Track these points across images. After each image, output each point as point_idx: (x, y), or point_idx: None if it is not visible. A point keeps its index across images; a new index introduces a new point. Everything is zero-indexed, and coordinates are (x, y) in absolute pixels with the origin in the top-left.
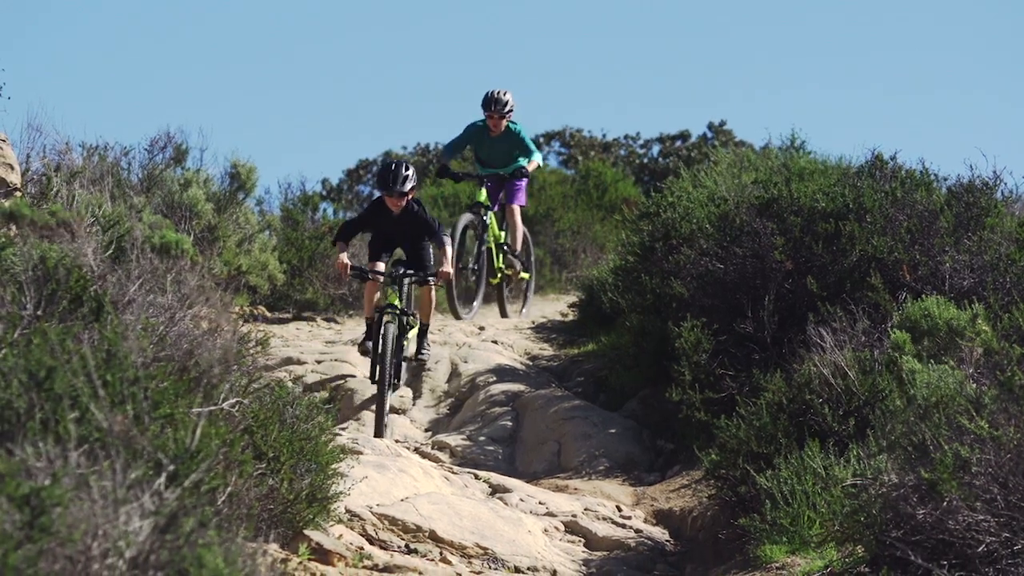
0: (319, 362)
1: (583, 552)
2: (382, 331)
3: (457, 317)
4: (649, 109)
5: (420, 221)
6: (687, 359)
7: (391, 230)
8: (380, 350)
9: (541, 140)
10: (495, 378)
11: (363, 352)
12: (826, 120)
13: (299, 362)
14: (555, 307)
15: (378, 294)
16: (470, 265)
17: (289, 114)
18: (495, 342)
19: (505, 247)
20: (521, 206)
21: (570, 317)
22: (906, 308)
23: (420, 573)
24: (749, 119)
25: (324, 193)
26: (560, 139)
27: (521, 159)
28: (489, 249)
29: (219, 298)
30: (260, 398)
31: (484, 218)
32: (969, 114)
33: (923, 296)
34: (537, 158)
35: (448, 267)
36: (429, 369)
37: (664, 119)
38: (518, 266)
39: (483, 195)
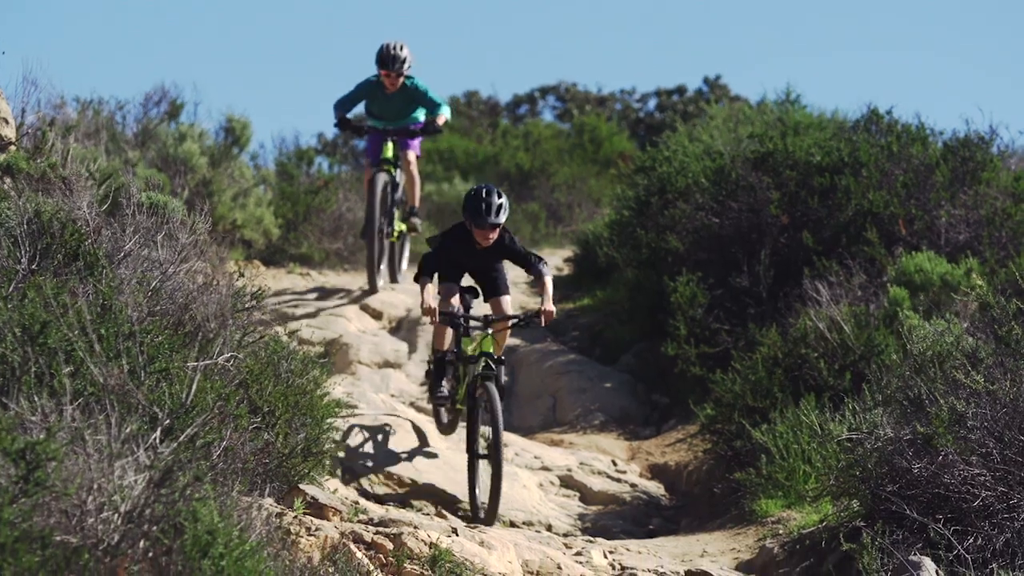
0: (314, 316)
1: (578, 506)
2: (484, 391)
3: (375, 290)
4: (645, 63)
5: (512, 255)
6: (682, 313)
7: (474, 264)
8: (485, 410)
9: (537, 95)
10: None
11: (438, 401)
12: (822, 74)
13: (294, 317)
14: (550, 261)
15: (449, 335)
16: (385, 228)
17: (284, 68)
18: None
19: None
20: (417, 156)
21: (565, 272)
22: (901, 263)
23: (415, 527)
24: (745, 74)
25: (319, 148)
26: (555, 93)
27: (419, 113)
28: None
29: (214, 253)
30: (255, 353)
31: (395, 176)
32: (965, 68)
33: (918, 250)
34: (446, 111)
35: (551, 305)
36: (424, 323)
37: (660, 73)
38: (417, 222)
39: (390, 150)
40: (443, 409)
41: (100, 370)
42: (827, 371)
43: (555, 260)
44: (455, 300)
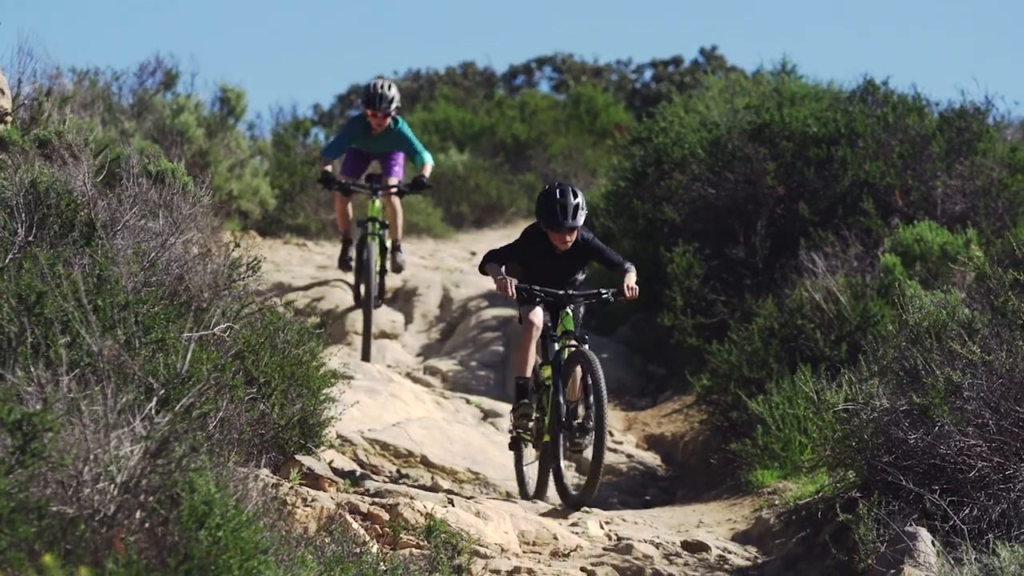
0: (311, 287)
1: (574, 476)
2: (572, 363)
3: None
4: (641, 34)
5: (596, 254)
6: (679, 284)
7: (553, 268)
8: (582, 380)
9: (533, 66)
10: (487, 303)
11: (521, 419)
12: (818, 45)
13: (291, 287)
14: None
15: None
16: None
17: (281, 39)
18: None
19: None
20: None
21: None
22: (898, 233)
23: (411, 498)
24: (741, 44)
25: (315, 118)
26: (551, 64)
27: (398, 154)
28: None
29: (209, 223)
30: (251, 323)
31: (381, 235)
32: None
33: (915, 221)
34: (430, 161)
35: (634, 282)
36: (420, 294)
37: (656, 44)
38: (403, 260)
39: (376, 207)
40: (526, 451)
41: (96, 341)
42: (823, 342)
43: None
44: (539, 311)
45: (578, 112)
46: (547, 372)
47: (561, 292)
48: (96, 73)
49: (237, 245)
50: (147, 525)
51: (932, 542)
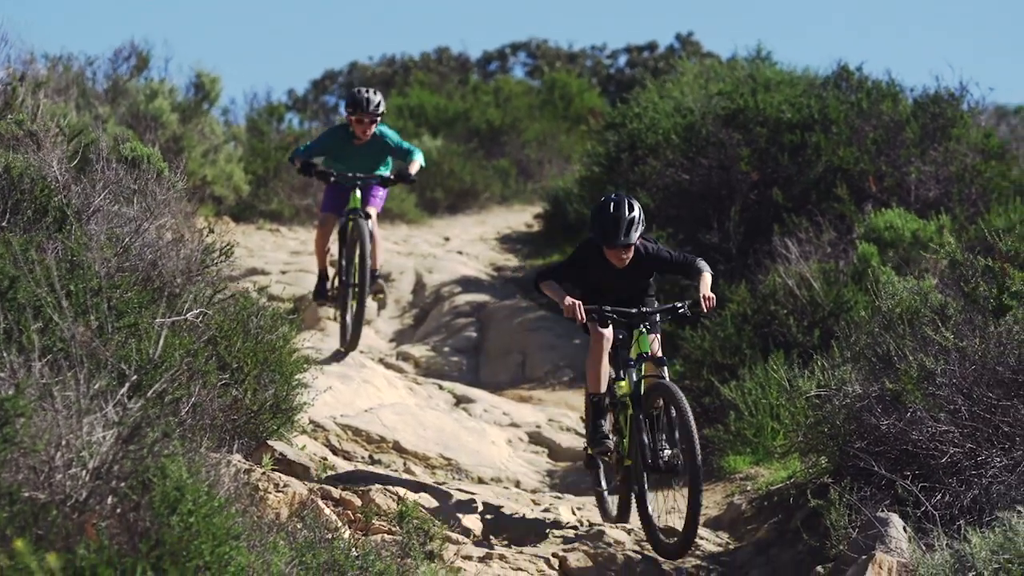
0: (283, 272)
1: (547, 463)
2: (661, 387)
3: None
4: (616, 20)
5: (661, 265)
6: None
7: (615, 284)
8: (666, 412)
9: (507, 52)
10: (460, 289)
11: (601, 448)
12: (793, 31)
13: (264, 272)
14: (520, 218)
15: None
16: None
17: (255, 24)
18: (460, 253)
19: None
20: (378, 213)
21: (535, 228)
22: (871, 219)
23: (383, 484)
24: (716, 30)
25: (290, 104)
26: (526, 50)
27: (383, 168)
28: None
29: (182, 209)
30: (224, 308)
31: (367, 225)
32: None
33: (889, 207)
34: (419, 158)
35: (710, 290)
36: (394, 280)
37: (631, 30)
38: (384, 285)
39: (358, 199)
40: (603, 476)
41: (69, 326)
42: (796, 328)
43: (525, 216)
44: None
45: (552, 98)
46: (623, 388)
47: (634, 311)
48: (70, 58)
49: (211, 231)
50: (119, 511)
51: (904, 528)
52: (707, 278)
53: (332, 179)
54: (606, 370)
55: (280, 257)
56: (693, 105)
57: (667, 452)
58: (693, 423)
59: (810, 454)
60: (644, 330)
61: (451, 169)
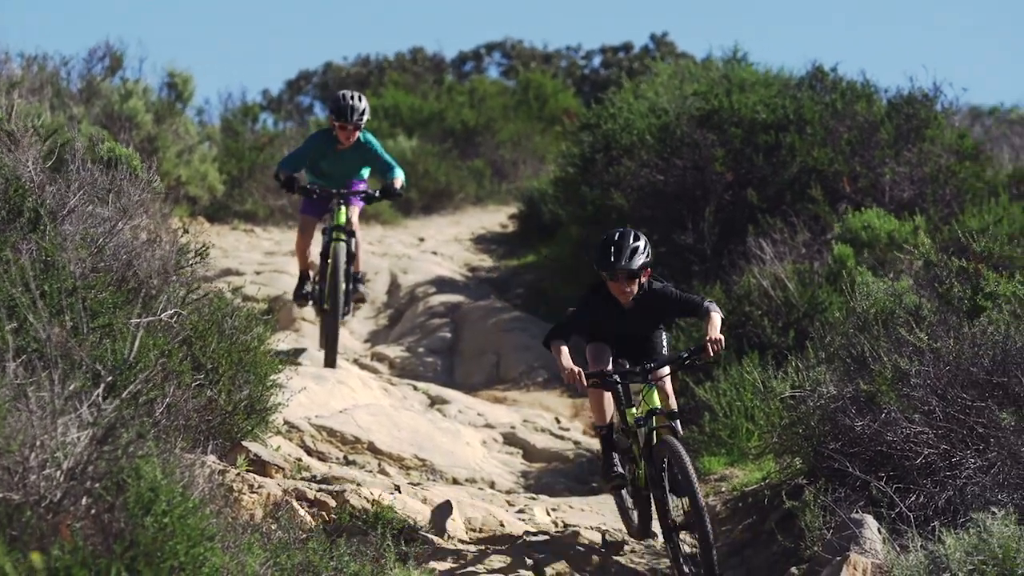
0: (258, 273)
1: (521, 464)
2: (667, 448)
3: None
4: (591, 20)
5: (670, 304)
6: None
7: (622, 328)
8: (671, 471)
9: (482, 52)
10: (434, 289)
11: (615, 481)
12: (768, 32)
13: (238, 273)
14: (495, 218)
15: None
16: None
17: (230, 24)
18: (435, 253)
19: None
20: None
21: (510, 228)
22: (846, 220)
23: (358, 485)
24: (691, 31)
25: (264, 104)
26: (501, 50)
27: (365, 172)
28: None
29: (158, 209)
30: (199, 309)
31: (348, 242)
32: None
33: (863, 208)
34: (400, 175)
35: (718, 332)
36: (369, 280)
37: (606, 30)
38: (364, 291)
39: (343, 215)
40: (626, 495)
41: (43, 327)
42: (771, 328)
43: (500, 217)
44: (608, 363)
45: (527, 98)
46: (631, 414)
47: (637, 370)
48: (44, 58)
49: (185, 231)
50: (93, 511)
51: (878, 529)
52: (716, 320)
53: (315, 196)
54: (609, 403)
55: (254, 257)
56: (668, 106)
57: (673, 508)
58: (695, 481)
59: (784, 455)
60: (653, 385)
61: (426, 169)
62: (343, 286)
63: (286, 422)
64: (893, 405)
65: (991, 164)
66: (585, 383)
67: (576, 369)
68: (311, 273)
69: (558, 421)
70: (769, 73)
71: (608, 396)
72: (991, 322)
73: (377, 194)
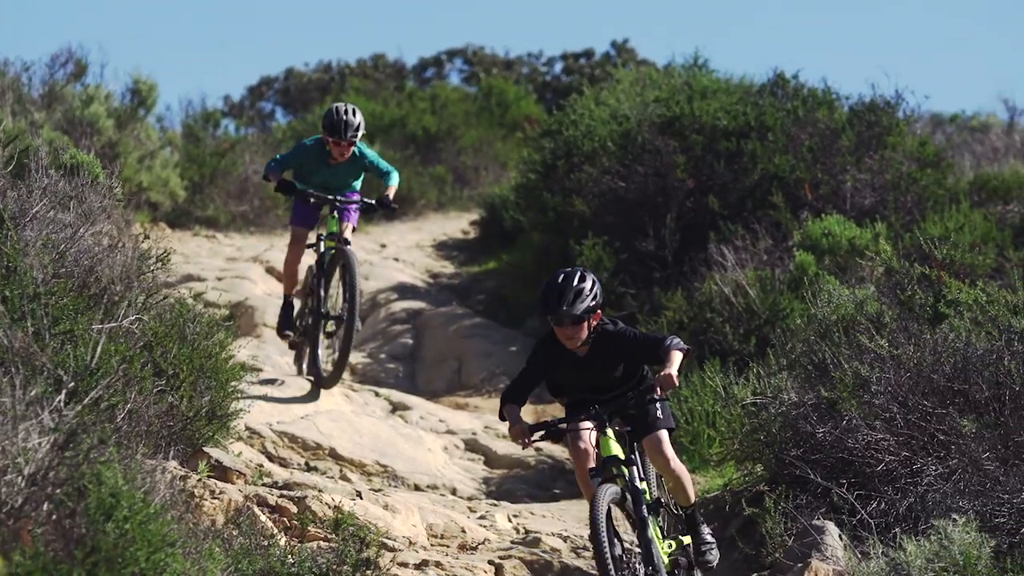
0: (220, 279)
1: (483, 470)
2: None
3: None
4: (553, 27)
5: (628, 349)
6: None
7: (581, 376)
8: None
9: (443, 58)
10: (396, 296)
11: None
12: (730, 39)
13: (200, 279)
14: (457, 225)
15: (590, 444)
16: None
17: (191, 29)
18: (396, 259)
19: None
20: (354, 230)
21: (471, 235)
22: (807, 227)
23: (319, 490)
24: (653, 38)
25: (226, 110)
26: (462, 56)
27: (356, 183)
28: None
29: (120, 215)
30: (160, 315)
31: (349, 256)
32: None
33: (824, 215)
34: (395, 181)
35: (674, 368)
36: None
37: (567, 37)
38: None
39: (336, 222)
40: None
41: (5, 332)
42: (732, 335)
43: (461, 223)
44: (585, 435)
45: (489, 105)
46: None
47: (589, 423)
48: (6, 63)
49: (147, 237)
50: (55, 517)
51: (839, 536)
52: (675, 358)
53: (311, 200)
54: (591, 456)
55: (216, 263)
56: (629, 112)
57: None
58: (656, 548)
59: (746, 462)
60: (609, 433)
61: None
62: (360, 287)
63: (247, 428)
64: (854, 412)
65: (952, 171)
66: (528, 442)
67: (520, 427)
68: (296, 301)
69: None
70: (731, 80)
71: (590, 485)
72: (952, 329)
73: (373, 203)
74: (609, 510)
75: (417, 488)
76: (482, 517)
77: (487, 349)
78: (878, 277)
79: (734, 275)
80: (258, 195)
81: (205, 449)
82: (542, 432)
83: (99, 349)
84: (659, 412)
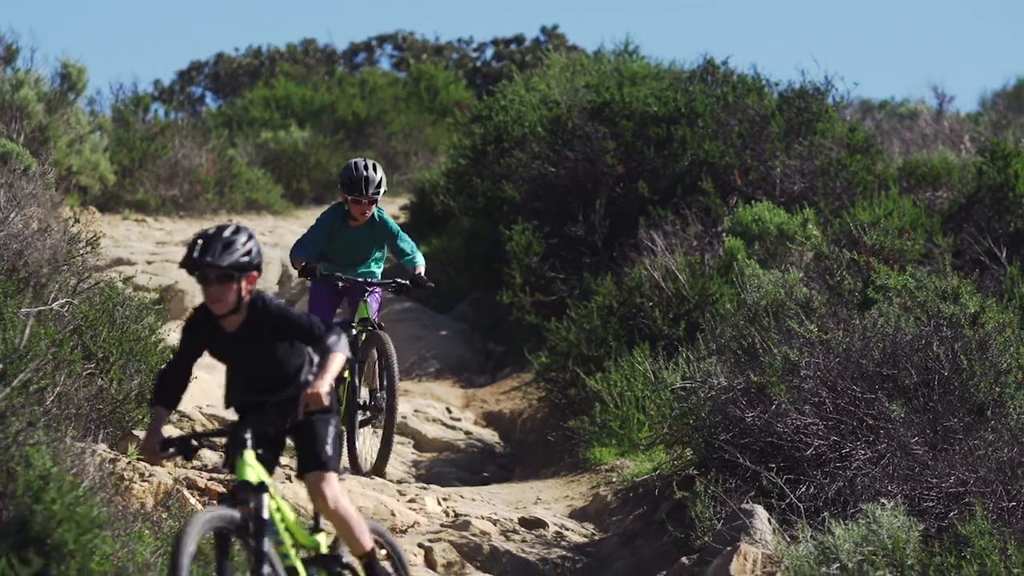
0: (149, 263)
1: (413, 453)
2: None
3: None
4: (483, 13)
5: (284, 328)
6: (518, 262)
7: (229, 357)
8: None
9: (374, 44)
10: None
11: None
12: (660, 25)
13: (129, 262)
14: (387, 209)
15: None
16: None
17: (122, 13)
18: None
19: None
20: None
21: (401, 219)
22: (737, 213)
23: None
24: (583, 24)
25: (156, 94)
26: (392, 42)
27: (378, 255)
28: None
29: (49, 199)
30: (90, 298)
31: (384, 340)
32: (802, 19)
33: (754, 201)
34: (421, 261)
35: (322, 384)
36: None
37: (498, 23)
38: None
39: (368, 308)
40: None
41: None
42: (662, 320)
43: (392, 208)
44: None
45: (418, 90)
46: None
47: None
48: None
49: (76, 221)
50: None
51: (768, 519)
52: (331, 366)
53: (340, 284)
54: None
55: (146, 247)
56: (559, 98)
57: None
58: None
59: (675, 446)
60: (246, 454)
61: (317, 160)
62: (396, 377)
63: (177, 411)
64: (783, 397)
65: (881, 158)
66: (160, 456)
67: (154, 441)
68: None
69: (449, 411)
70: (660, 66)
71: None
72: (881, 315)
73: (407, 284)
74: (226, 539)
75: (346, 470)
76: (412, 500)
77: (417, 333)
78: (807, 262)
79: (664, 260)
80: (188, 179)
81: (135, 432)
82: (173, 449)
83: (28, 332)
84: (325, 439)
